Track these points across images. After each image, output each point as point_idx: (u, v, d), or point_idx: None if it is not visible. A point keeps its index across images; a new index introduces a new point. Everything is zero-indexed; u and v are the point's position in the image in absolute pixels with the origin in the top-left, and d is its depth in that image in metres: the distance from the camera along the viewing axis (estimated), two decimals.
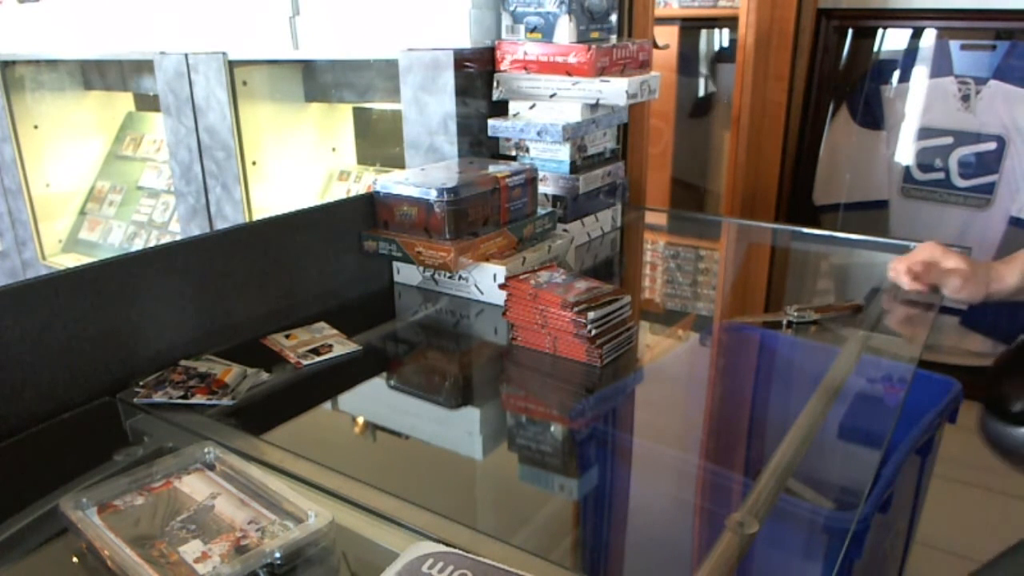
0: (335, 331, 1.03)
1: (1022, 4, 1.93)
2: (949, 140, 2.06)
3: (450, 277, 1.15)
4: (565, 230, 1.33)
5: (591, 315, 0.90)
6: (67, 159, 2.46)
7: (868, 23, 2.17)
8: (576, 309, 0.90)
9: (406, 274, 1.21)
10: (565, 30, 1.27)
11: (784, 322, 1.09)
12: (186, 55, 1.75)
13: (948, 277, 1.08)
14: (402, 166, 1.41)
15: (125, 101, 2.51)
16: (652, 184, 1.86)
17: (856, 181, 2.23)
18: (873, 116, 2.19)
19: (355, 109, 1.96)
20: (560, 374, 0.93)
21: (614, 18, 1.37)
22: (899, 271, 1.11)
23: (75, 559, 0.62)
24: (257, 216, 1.81)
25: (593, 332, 0.90)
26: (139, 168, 2.43)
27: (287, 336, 1.01)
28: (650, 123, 1.73)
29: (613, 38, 1.38)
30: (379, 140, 1.98)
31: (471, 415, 0.90)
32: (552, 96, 1.31)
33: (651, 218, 1.70)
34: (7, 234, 2.51)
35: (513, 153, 1.38)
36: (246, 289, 1.01)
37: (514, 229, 1.19)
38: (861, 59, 2.20)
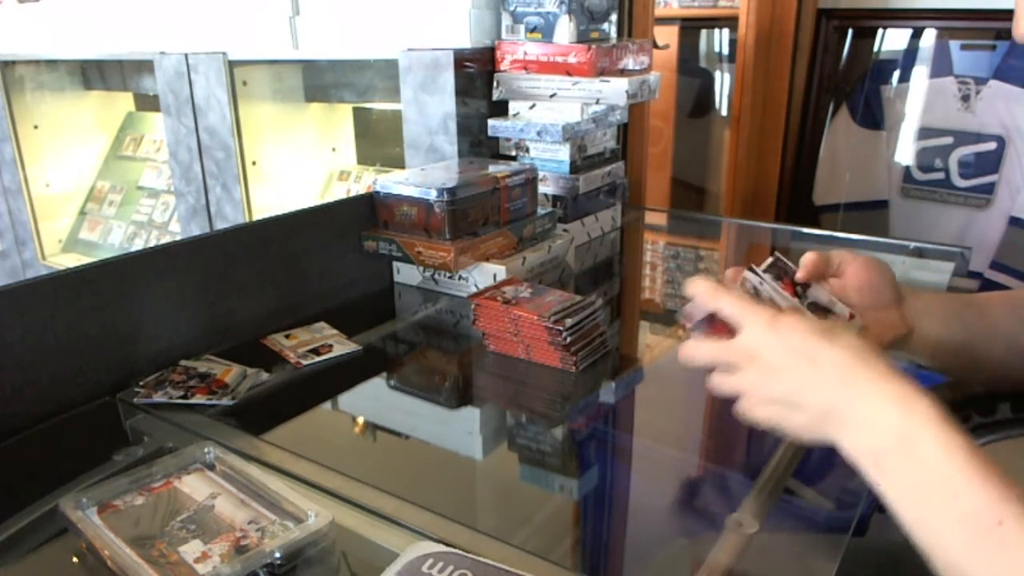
0: (335, 331, 1.03)
1: None
2: (949, 140, 2.06)
3: (450, 277, 1.15)
4: (565, 230, 1.32)
5: (568, 322, 0.89)
6: (67, 159, 2.46)
7: (868, 23, 2.16)
8: (553, 319, 0.89)
9: (406, 274, 1.21)
10: (565, 30, 1.27)
11: None
12: (186, 55, 1.75)
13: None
14: (402, 166, 1.41)
15: (125, 101, 2.51)
16: (652, 184, 1.85)
17: (856, 181, 2.23)
18: (873, 116, 2.18)
19: (355, 109, 1.96)
20: (537, 380, 0.93)
21: (614, 18, 1.37)
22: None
23: (75, 559, 0.62)
24: (257, 216, 1.81)
25: (568, 339, 0.89)
26: (139, 168, 2.43)
27: (287, 336, 1.01)
28: (650, 123, 1.73)
29: (613, 38, 1.38)
30: (379, 140, 1.97)
31: (471, 415, 0.90)
32: (552, 96, 1.31)
33: (651, 218, 1.70)
34: (7, 234, 2.51)
35: (513, 153, 1.38)
36: (246, 289, 1.01)
37: (514, 229, 1.19)
38: (861, 59, 2.20)
